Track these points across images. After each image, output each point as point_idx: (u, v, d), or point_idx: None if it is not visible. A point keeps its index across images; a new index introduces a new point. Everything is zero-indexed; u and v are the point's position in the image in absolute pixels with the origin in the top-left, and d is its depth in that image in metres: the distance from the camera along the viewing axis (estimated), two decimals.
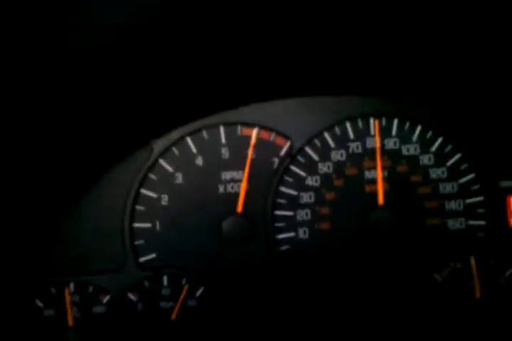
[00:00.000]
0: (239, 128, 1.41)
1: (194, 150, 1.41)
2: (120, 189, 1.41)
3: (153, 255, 1.40)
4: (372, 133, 1.37)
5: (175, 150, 1.41)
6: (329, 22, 1.09)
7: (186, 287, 1.37)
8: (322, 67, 1.29)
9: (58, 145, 1.29)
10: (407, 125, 1.37)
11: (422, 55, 1.20)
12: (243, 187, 1.38)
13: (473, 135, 1.35)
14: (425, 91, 1.34)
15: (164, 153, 1.41)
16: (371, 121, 1.38)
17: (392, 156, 1.36)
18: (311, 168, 1.38)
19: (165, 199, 1.40)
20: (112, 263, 1.39)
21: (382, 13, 1.05)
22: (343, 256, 1.36)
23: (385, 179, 1.35)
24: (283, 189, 1.38)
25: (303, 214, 1.37)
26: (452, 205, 1.34)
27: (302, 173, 1.38)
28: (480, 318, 1.30)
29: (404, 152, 1.36)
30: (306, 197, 1.38)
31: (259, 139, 1.40)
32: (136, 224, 1.40)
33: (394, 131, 1.37)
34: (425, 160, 1.36)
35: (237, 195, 1.38)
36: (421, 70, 1.27)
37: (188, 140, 1.41)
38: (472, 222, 1.34)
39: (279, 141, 1.39)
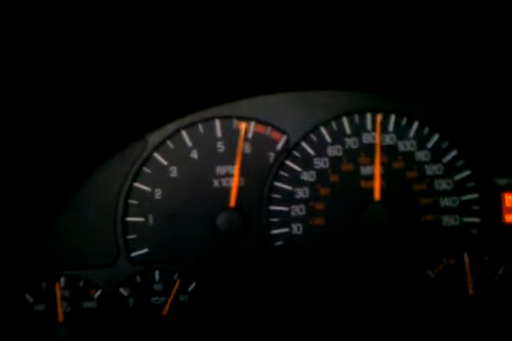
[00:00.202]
0: (234, 121, 1.40)
1: (189, 143, 1.40)
2: (113, 182, 1.39)
3: (146, 249, 1.38)
4: (368, 128, 1.37)
5: (170, 143, 1.40)
6: (326, 17, 1.08)
7: (178, 282, 1.36)
8: (319, 61, 1.28)
9: (51, 138, 1.27)
10: (404, 121, 1.37)
11: (419, 51, 1.20)
12: (235, 181, 1.37)
13: (469, 132, 1.35)
14: (422, 87, 1.34)
15: (159, 146, 1.40)
16: (368, 116, 1.37)
17: (388, 152, 1.36)
18: (306, 163, 1.38)
19: (158, 193, 1.39)
20: (104, 258, 1.38)
21: (378, 9, 1.05)
22: (337, 251, 1.35)
23: (381, 175, 1.35)
24: (278, 184, 1.37)
25: (297, 210, 1.37)
26: (447, 202, 1.34)
27: (298, 168, 1.38)
28: (473, 315, 1.30)
29: (401, 148, 1.36)
30: (301, 193, 1.37)
31: (254, 133, 1.39)
32: (129, 218, 1.39)
33: (391, 127, 1.37)
34: (421, 156, 1.35)
35: (231, 189, 1.37)
36: (418, 66, 1.27)
37: (183, 133, 1.40)
38: (467, 219, 1.34)
39: (275, 135, 1.39)
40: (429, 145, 1.36)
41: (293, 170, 1.38)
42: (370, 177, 1.35)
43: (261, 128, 1.39)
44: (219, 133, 1.40)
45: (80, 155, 1.36)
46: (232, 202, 1.36)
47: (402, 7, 1.03)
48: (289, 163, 1.38)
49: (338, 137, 1.38)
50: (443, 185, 1.35)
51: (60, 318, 1.36)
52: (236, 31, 1.11)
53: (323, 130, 1.38)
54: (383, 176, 1.35)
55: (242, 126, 1.39)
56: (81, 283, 1.38)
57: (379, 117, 1.36)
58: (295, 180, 1.38)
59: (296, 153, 1.38)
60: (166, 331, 1.35)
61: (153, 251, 1.38)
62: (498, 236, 1.33)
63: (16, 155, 1.24)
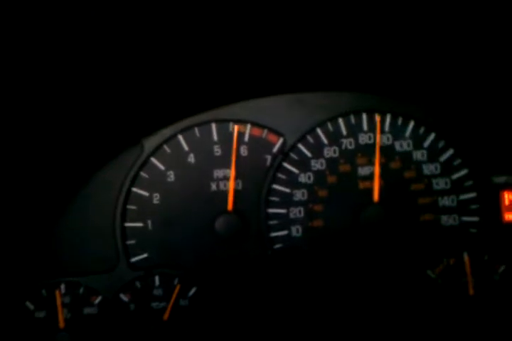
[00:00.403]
0: (231, 125, 1.40)
1: (186, 147, 1.40)
2: (111, 188, 1.40)
3: (145, 255, 1.38)
4: (365, 129, 1.37)
5: (166, 148, 1.40)
6: (321, 18, 1.08)
7: (178, 287, 1.36)
8: (315, 63, 1.29)
9: (47, 144, 1.27)
10: (400, 121, 1.37)
11: (415, 51, 1.20)
12: (231, 184, 1.37)
13: (465, 130, 1.35)
14: (418, 87, 1.34)
15: (156, 151, 1.40)
16: (364, 117, 1.37)
17: (385, 152, 1.36)
18: (303, 164, 1.38)
19: (157, 198, 1.39)
20: (104, 264, 1.38)
21: (375, 10, 1.05)
22: (336, 253, 1.35)
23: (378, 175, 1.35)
24: (276, 186, 1.37)
25: (296, 212, 1.37)
26: (445, 201, 1.34)
27: (295, 170, 1.38)
28: (473, 315, 1.30)
29: (397, 148, 1.36)
30: (299, 195, 1.37)
31: (251, 136, 1.39)
32: (128, 224, 1.39)
33: (387, 127, 1.37)
34: (418, 156, 1.35)
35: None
36: (414, 66, 1.27)
37: (180, 137, 1.40)
38: (465, 218, 1.33)
39: (272, 137, 1.39)
40: (426, 144, 1.35)
41: (290, 172, 1.38)
42: (368, 178, 1.35)
43: (257, 131, 1.39)
44: (215, 136, 1.40)
45: (77, 162, 1.36)
46: (230, 206, 1.36)
47: (396, 7, 1.04)
48: (286, 165, 1.38)
49: (335, 138, 1.37)
50: (441, 184, 1.34)
51: (61, 325, 1.36)
52: (232, 34, 1.11)
53: (319, 131, 1.38)
54: (381, 176, 1.35)
55: (236, 128, 1.40)
56: (81, 290, 1.38)
57: (378, 117, 1.36)
58: (293, 182, 1.37)
59: (293, 155, 1.38)
60: (167, 336, 1.34)
61: (153, 256, 1.38)
62: (497, 235, 1.32)
63: (13, 162, 1.24)
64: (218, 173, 1.38)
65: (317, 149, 1.38)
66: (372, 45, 1.19)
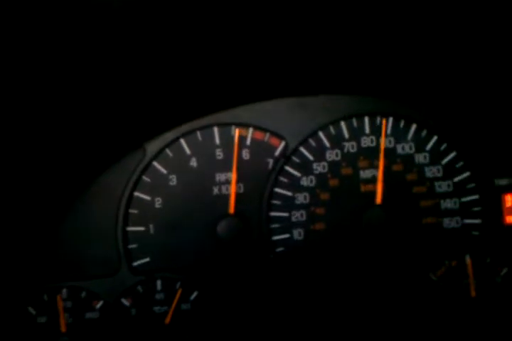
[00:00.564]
0: (233, 128, 1.40)
1: (188, 151, 1.40)
2: (113, 192, 1.39)
3: (147, 259, 1.38)
4: (367, 132, 1.37)
5: (168, 152, 1.40)
6: (323, 22, 1.09)
7: (180, 291, 1.36)
8: (316, 66, 1.29)
9: (50, 148, 1.27)
10: (402, 124, 1.37)
11: (416, 54, 1.20)
12: (233, 188, 1.37)
13: (468, 133, 1.35)
14: (420, 90, 1.34)
15: (158, 155, 1.40)
16: (366, 120, 1.37)
17: (387, 155, 1.36)
18: (305, 168, 1.37)
19: (159, 202, 1.39)
20: (105, 268, 1.38)
21: (377, 14, 1.05)
22: (338, 256, 1.35)
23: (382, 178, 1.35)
24: (278, 190, 1.37)
25: (298, 215, 1.36)
26: (448, 204, 1.34)
27: (297, 174, 1.37)
28: (476, 317, 1.30)
29: (400, 151, 1.36)
30: (301, 198, 1.37)
31: (253, 140, 1.39)
32: (130, 228, 1.39)
33: (389, 130, 1.37)
34: (420, 158, 1.35)
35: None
36: (416, 69, 1.27)
37: (182, 141, 1.40)
38: (468, 221, 1.33)
39: (274, 141, 1.39)
40: (428, 147, 1.35)
41: (292, 175, 1.38)
42: (370, 181, 1.35)
43: (259, 135, 1.39)
44: (217, 140, 1.40)
45: (79, 166, 1.36)
46: (232, 209, 1.36)
47: (398, 11, 1.04)
48: (288, 168, 1.38)
49: (337, 141, 1.37)
50: (443, 187, 1.34)
51: (63, 329, 1.35)
52: (233, 38, 1.11)
53: (321, 135, 1.38)
54: (383, 179, 1.35)
55: (237, 132, 1.39)
56: (83, 294, 1.37)
57: (384, 121, 1.36)
58: (295, 185, 1.37)
59: (295, 159, 1.38)
60: (169, 340, 1.34)
61: (155, 260, 1.38)
62: (499, 238, 1.32)
63: (15, 166, 1.24)
64: (220, 177, 1.38)
65: (319, 152, 1.38)
66: (374, 48, 1.19)
